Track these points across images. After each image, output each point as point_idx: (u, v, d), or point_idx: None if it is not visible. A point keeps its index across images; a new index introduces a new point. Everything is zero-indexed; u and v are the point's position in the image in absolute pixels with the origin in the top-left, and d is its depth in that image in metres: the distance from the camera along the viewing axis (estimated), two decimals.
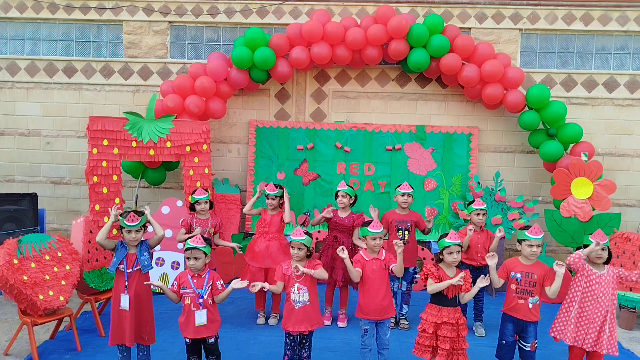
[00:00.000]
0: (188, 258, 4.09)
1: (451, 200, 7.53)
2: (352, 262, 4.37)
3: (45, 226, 6.69)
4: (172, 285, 4.12)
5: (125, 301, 4.21)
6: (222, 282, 4.18)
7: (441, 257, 4.25)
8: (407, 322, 5.75)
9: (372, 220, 4.45)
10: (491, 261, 4.39)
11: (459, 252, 4.22)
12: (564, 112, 6.86)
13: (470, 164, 7.53)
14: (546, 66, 7.62)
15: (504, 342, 4.43)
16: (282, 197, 5.84)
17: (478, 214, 5.62)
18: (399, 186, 5.73)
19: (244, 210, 5.99)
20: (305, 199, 7.68)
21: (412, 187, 5.75)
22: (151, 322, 4.37)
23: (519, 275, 4.30)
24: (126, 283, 4.22)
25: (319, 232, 7.41)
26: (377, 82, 7.70)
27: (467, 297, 4.22)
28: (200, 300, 4.05)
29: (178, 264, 6.75)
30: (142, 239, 4.37)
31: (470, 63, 6.96)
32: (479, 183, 7.33)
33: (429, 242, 7.44)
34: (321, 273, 4.25)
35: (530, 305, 4.28)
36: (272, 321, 5.80)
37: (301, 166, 7.68)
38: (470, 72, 6.89)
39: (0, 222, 6.01)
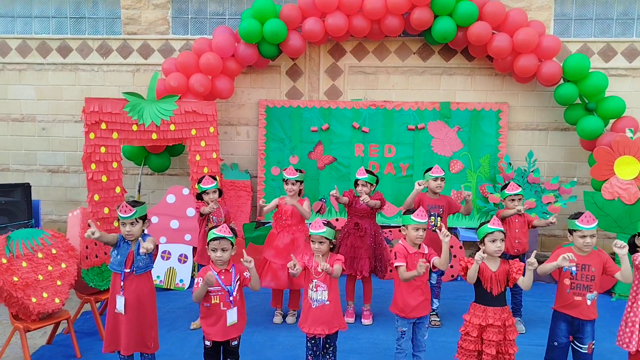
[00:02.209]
0: (214, 250, 3.56)
1: (479, 183, 6.96)
2: (393, 255, 3.87)
3: (41, 218, 6.18)
4: (197, 283, 3.60)
5: (120, 303, 3.67)
6: (247, 272, 3.67)
7: (482, 246, 3.71)
8: (438, 319, 5.23)
9: (418, 208, 3.90)
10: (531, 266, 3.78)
11: (502, 240, 3.67)
12: (605, 84, 6.24)
13: (499, 144, 6.93)
14: (582, 34, 6.98)
15: (555, 343, 3.89)
16: (302, 182, 5.30)
17: (513, 200, 5.09)
18: (429, 170, 5.17)
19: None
20: (321, 185, 7.12)
21: (443, 170, 5.21)
22: (155, 327, 3.84)
23: (574, 268, 3.75)
24: (122, 283, 3.69)
25: (336, 219, 6.88)
26: (397, 56, 7.07)
27: (526, 282, 3.68)
28: (231, 298, 3.58)
29: (186, 257, 6.26)
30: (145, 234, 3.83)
31: (501, 32, 6.33)
32: (509, 164, 6.74)
33: (456, 228, 6.89)
34: (337, 272, 3.74)
35: (589, 302, 3.74)
36: (290, 319, 5.30)
37: (315, 149, 7.11)
38: (501, 41, 6.27)
39: None
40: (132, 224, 3.66)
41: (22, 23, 7.38)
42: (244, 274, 3.65)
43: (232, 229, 3.64)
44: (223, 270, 3.60)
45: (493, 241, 3.62)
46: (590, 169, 6.40)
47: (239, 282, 3.63)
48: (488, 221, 3.73)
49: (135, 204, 3.73)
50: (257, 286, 3.73)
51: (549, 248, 6.89)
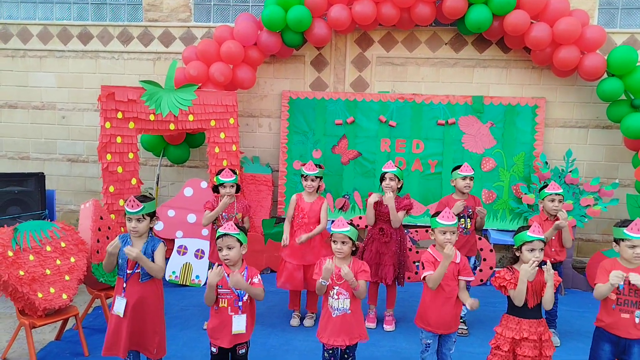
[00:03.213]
0: (220, 249, 3.33)
1: (512, 182, 6.56)
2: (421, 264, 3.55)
3: (57, 209, 6.03)
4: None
5: (119, 306, 3.45)
6: (259, 277, 3.40)
7: (518, 254, 3.36)
8: (465, 327, 4.89)
9: (444, 210, 3.57)
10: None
11: (542, 249, 3.33)
12: None
13: (535, 141, 6.51)
14: (629, 25, 6.49)
15: None
16: (322, 178, 5.01)
17: (552, 200, 4.69)
18: (458, 168, 4.82)
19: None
20: (345, 180, 6.82)
21: (473, 169, 4.86)
22: (160, 333, 3.59)
23: (621, 282, 3.37)
24: (124, 285, 3.46)
25: (360, 217, 6.58)
26: (427, 47, 6.70)
27: (548, 298, 3.33)
28: (240, 303, 3.32)
29: (203, 252, 6.05)
30: (153, 234, 3.59)
31: (540, 21, 5.91)
32: (546, 163, 6.32)
33: (486, 230, 6.52)
34: (362, 290, 3.44)
35: (637, 320, 3.37)
36: (308, 322, 5.03)
37: (340, 143, 6.81)
38: (540, 31, 5.84)
39: (3, 205, 5.34)
40: (138, 220, 3.43)
41: (43, 9, 7.24)
42: (254, 279, 3.37)
43: (239, 227, 3.37)
44: (234, 272, 3.34)
45: (531, 250, 3.28)
46: (634, 170, 5.95)
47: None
48: (528, 227, 3.38)
49: (144, 199, 3.50)
50: (260, 295, 3.39)
51: (585, 253, 6.47)
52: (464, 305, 4.60)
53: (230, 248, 3.30)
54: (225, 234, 3.31)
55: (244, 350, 3.41)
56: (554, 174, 6.22)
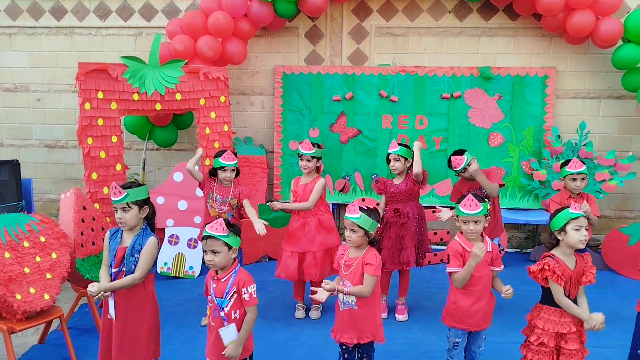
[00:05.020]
0: (204, 251, 2.84)
1: (522, 158, 6.21)
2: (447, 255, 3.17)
3: (33, 199, 5.55)
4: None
5: (111, 307, 3.04)
6: (252, 290, 2.84)
7: (561, 237, 2.98)
8: None
9: (467, 195, 3.18)
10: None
11: (587, 228, 2.96)
12: None
13: (545, 114, 6.15)
14: None
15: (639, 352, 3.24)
16: (320, 158, 4.60)
17: (574, 179, 4.36)
18: (456, 154, 4.41)
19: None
20: (344, 161, 6.41)
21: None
22: (154, 341, 3.15)
23: None
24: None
25: (362, 199, 6.19)
26: (430, 15, 6.26)
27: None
28: (222, 314, 2.83)
29: (196, 241, 5.63)
30: (149, 227, 3.14)
31: None
32: (558, 136, 5.98)
33: None
34: (360, 291, 3.02)
35: None
36: (315, 314, 4.66)
37: (338, 120, 6.39)
38: None
39: None
40: (124, 209, 2.98)
41: None
42: (243, 292, 2.80)
43: (230, 225, 2.84)
44: (216, 277, 2.88)
45: (578, 229, 2.90)
46: None
47: (234, 297, 2.83)
48: (563, 209, 3.01)
49: (130, 185, 3.06)
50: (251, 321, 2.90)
51: (598, 231, 6.16)
52: None
53: (215, 253, 2.80)
54: (210, 236, 2.79)
55: None
56: (566, 147, 5.88)
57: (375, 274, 3.02)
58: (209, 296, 2.91)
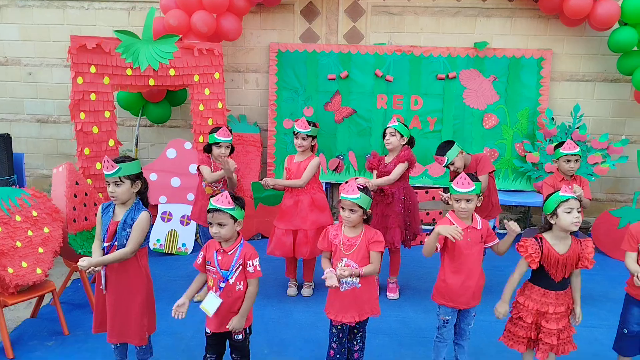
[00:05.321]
0: (210, 224, 2.90)
1: (516, 140, 6.22)
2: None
3: (25, 174, 5.51)
4: (198, 257, 3.00)
5: (103, 281, 3.07)
6: (257, 263, 2.95)
7: (553, 221, 3.00)
8: None
9: (460, 175, 3.18)
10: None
11: (579, 210, 2.97)
12: None
13: (540, 96, 6.15)
14: None
15: (626, 331, 3.29)
16: (315, 137, 4.59)
17: (569, 161, 4.37)
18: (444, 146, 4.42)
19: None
20: (339, 140, 6.40)
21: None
22: (148, 316, 3.17)
23: None
24: None
25: (355, 179, 6.18)
26: None
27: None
28: (223, 285, 2.91)
29: (189, 218, 5.61)
30: (142, 202, 3.13)
31: None
32: (552, 119, 5.99)
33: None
34: (370, 270, 3.07)
35: None
36: (307, 292, 4.69)
37: (333, 99, 6.36)
38: None
39: None
40: (116, 183, 2.97)
41: None
42: (248, 264, 2.91)
43: (235, 198, 2.91)
44: (222, 249, 2.94)
45: (569, 212, 2.92)
46: None
47: (239, 269, 2.92)
48: (554, 192, 3.03)
49: (123, 159, 3.04)
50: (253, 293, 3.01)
51: (589, 213, 6.21)
52: None
53: (222, 225, 2.86)
54: (216, 209, 2.86)
55: (240, 337, 3.02)
56: (560, 130, 5.90)
57: (382, 251, 3.11)
58: (212, 267, 2.93)
